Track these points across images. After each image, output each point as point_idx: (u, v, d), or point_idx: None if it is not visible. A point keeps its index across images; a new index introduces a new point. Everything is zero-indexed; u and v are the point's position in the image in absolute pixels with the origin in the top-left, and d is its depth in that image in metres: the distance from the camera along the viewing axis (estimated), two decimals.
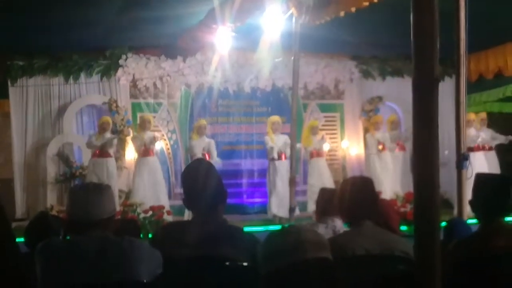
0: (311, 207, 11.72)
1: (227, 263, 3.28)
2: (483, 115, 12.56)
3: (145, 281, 3.08)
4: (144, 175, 11.41)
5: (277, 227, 2.65)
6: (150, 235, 8.99)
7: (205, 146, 11.75)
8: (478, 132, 12.12)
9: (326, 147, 12.49)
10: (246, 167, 13.22)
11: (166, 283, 3.17)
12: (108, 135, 11.40)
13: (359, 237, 3.45)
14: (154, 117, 12.59)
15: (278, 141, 11.67)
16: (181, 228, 3.61)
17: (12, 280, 1.50)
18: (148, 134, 11.52)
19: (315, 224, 5.08)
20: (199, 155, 11.44)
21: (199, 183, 3.44)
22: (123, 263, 3.05)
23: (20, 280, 1.51)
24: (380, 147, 12.69)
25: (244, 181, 13.09)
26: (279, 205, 11.42)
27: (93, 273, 2.99)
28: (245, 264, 3.25)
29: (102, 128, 11.42)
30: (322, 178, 12.04)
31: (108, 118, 11.72)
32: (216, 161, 11.54)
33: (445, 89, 10.15)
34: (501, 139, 12.27)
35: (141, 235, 6.73)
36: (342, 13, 8.79)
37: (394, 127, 12.97)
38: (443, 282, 2.57)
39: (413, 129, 2.68)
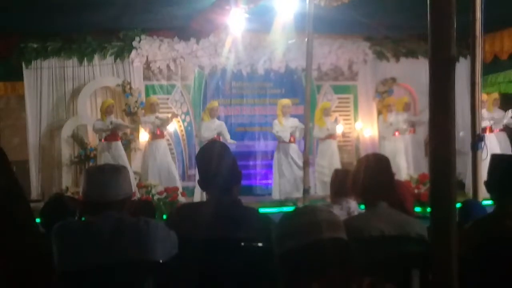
0: (319, 188, 11.77)
1: (242, 244, 3.29)
2: (496, 95, 12.49)
3: (160, 261, 3.09)
4: (153, 157, 11.48)
5: (291, 209, 2.65)
6: (164, 217, 9.04)
7: (217, 128, 11.74)
8: (490, 114, 12.06)
9: (339, 129, 12.48)
10: (259, 149, 13.22)
11: (181, 263, 3.18)
12: (113, 118, 11.44)
13: (374, 219, 3.45)
14: (167, 99, 12.61)
15: (287, 124, 11.64)
16: (196, 209, 3.62)
17: (32, 258, 1.53)
18: (156, 117, 11.61)
19: (330, 205, 5.08)
20: (209, 138, 11.46)
21: (214, 164, 3.45)
22: (139, 243, 3.06)
23: (40, 259, 1.53)
24: (393, 130, 12.69)
25: (257, 162, 13.10)
26: (286, 188, 11.42)
27: (109, 253, 3.01)
28: (260, 244, 3.26)
29: (109, 111, 11.46)
30: (332, 160, 12.05)
31: (112, 100, 11.79)
32: (230, 142, 11.56)
33: (460, 70, 10.09)
34: None
35: (155, 216, 6.75)
36: None
37: (407, 109, 12.95)
38: (458, 263, 2.57)
39: (430, 109, 2.66)
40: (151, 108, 11.76)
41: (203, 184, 3.55)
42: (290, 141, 11.67)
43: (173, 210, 4.16)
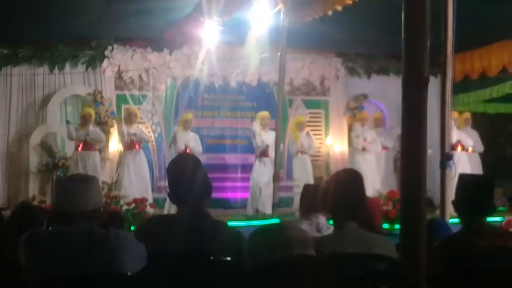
0: (296, 202, 11.74)
1: (211, 258, 3.28)
2: (467, 115, 12.62)
3: (129, 273, 3.07)
4: (129, 168, 11.44)
5: (260, 222, 2.67)
6: (132, 228, 8.97)
7: (189, 140, 11.69)
8: (460, 132, 12.19)
9: (310, 143, 12.53)
10: (230, 162, 13.21)
11: (150, 275, 3.16)
12: (90, 127, 11.36)
13: (342, 241, 3.43)
14: (139, 109, 12.55)
15: (267, 137, 11.63)
16: (165, 221, 3.62)
17: (3, 267, 1.51)
18: (134, 128, 11.57)
19: (299, 221, 5.08)
20: (181, 149, 11.44)
21: (185, 177, 3.45)
22: (109, 255, 3.04)
23: (10, 268, 1.51)
24: (365, 143, 12.77)
25: (228, 175, 13.06)
26: (264, 201, 11.41)
27: (78, 263, 2.98)
28: (229, 258, 3.26)
29: (84, 120, 11.39)
30: (307, 174, 12.11)
31: (91, 110, 11.67)
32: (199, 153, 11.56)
33: (431, 88, 10.18)
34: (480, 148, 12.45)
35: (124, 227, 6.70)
36: (330, 12, 8.83)
37: (378, 124, 13.05)
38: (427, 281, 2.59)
39: (402, 127, 2.69)
40: (129, 118, 11.75)
41: (173, 196, 3.54)
42: (267, 155, 11.64)
43: (142, 222, 4.14)
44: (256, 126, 11.80)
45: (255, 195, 11.59)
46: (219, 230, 3.44)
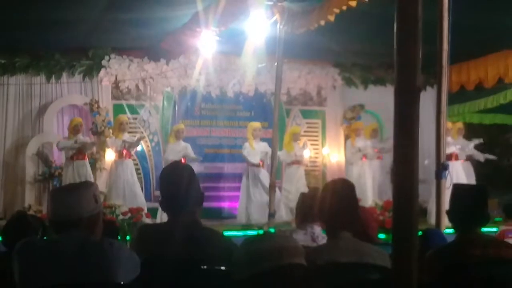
0: (285, 213, 11.71)
1: (203, 266, 3.28)
2: (460, 124, 12.62)
3: (122, 283, 3.06)
4: (119, 177, 11.41)
5: (257, 232, 2.67)
6: (128, 237, 8.94)
7: (182, 151, 11.68)
8: (455, 141, 12.19)
9: (306, 153, 12.52)
10: (228, 171, 13.20)
11: (143, 285, 3.16)
12: (81, 137, 11.35)
13: (336, 252, 3.43)
14: (136, 118, 12.55)
15: (258, 148, 11.65)
16: (156, 230, 3.63)
17: None
18: (125, 136, 11.54)
19: (294, 231, 5.07)
20: (174, 159, 11.40)
21: (176, 185, 3.47)
22: (102, 265, 3.02)
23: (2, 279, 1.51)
24: (361, 155, 12.76)
25: (226, 185, 13.04)
26: (254, 211, 11.39)
27: (71, 273, 2.96)
28: (223, 268, 3.25)
29: (76, 130, 11.37)
30: (298, 185, 12.04)
31: (81, 119, 11.69)
32: (195, 159, 11.53)
33: (427, 98, 10.21)
34: (479, 156, 12.41)
35: (119, 237, 6.70)
36: (322, 22, 8.85)
37: (374, 135, 13.04)
38: None
39: (394, 138, 2.71)
40: (120, 127, 11.68)
41: (164, 205, 3.55)
42: (259, 165, 11.65)
43: (135, 231, 4.15)
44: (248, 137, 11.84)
45: (242, 204, 11.60)
46: (210, 239, 3.45)
